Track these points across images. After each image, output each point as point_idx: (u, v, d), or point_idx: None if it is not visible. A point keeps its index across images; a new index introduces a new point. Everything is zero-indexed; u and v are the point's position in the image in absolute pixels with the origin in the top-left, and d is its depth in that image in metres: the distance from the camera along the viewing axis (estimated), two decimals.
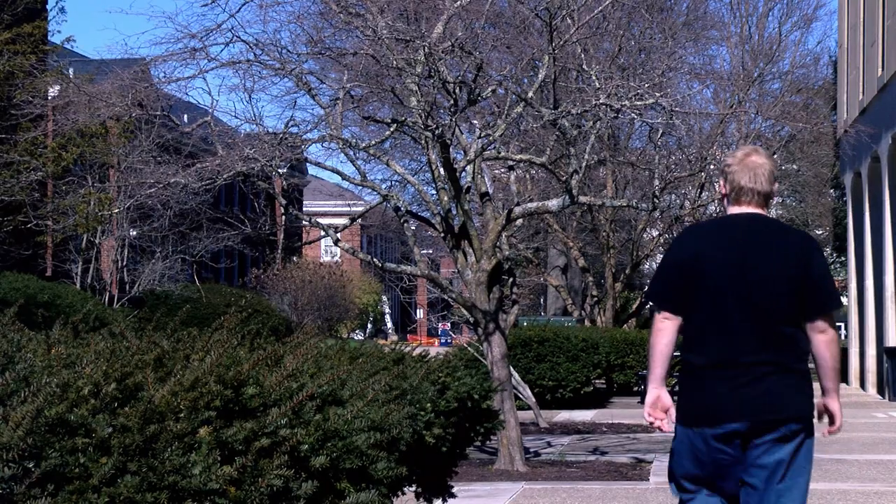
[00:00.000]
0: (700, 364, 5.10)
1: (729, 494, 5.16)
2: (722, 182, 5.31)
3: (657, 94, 12.91)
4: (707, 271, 5.10)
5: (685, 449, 5.15)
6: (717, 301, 5.08)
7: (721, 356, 5.05)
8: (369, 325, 64.80)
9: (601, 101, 12.29)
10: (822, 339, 5.11)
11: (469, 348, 19.26)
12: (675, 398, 5.19)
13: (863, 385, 32.25)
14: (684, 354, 5.17)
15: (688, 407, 5.13)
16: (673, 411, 5.17)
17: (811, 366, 5.19)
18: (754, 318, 5.06)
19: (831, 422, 5.26)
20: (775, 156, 37.02)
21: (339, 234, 13.13)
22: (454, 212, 13.79)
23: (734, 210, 5.25)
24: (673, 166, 27.04)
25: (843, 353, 35.47)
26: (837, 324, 5.33)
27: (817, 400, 5.24)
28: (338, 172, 13.96)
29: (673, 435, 5.24)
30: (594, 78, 12.78)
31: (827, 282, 5.19)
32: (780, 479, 5.05)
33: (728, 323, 5.07)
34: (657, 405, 5.17)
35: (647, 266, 35.96)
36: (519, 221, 14.72)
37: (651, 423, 5.20)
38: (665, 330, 5.12)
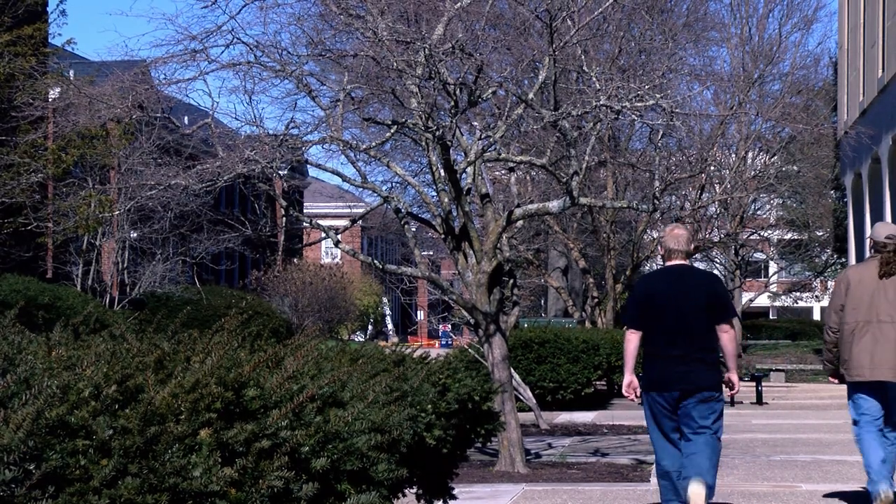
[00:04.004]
0: (651, 353, 8.51)
1: (669, 433, 8.51)
2: (660, 248, 8.71)
3: (657, 96, 12.90)
4: (656, 301, 8.49)
5: (645, 405, 8.59)
6: (661, 318, 8.45)
7: (662, 349, 8.43)
8: (370, 327, 64.76)
9: (601, 103, 12.28)
10: (726, 336, 8.51)
11: (470, 350, 19.24)
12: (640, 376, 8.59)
13: None
14: (643, 348, 8.54)
15: (646, 380, 8.54)
16: (639, 390, 8.53)
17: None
18: (682, 328, 8.41)
19: (731, 388, 8.59)
20: (775, 157, 37.10)
21: (339, 236, 13.12)
22: (455, 213, 13.78)
23: (669, 263, 8.60)
24: (673, 167, 27.02)
25: None
26: None
27: (725, 375, 8.61)
28: (338, 174, 13.92)
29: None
30: (594, 79, 12.78)
31: (727, 302, 8.64)
32: (700, 421, 8.38)
33: (667, 330, 8.42)
34: (630, 385, 8.55)
35: (647, 267, 35.87)
36: (519, 223, 14.74)
37: (626, 396, 8.58)
38: (633, 340, 8.55)
